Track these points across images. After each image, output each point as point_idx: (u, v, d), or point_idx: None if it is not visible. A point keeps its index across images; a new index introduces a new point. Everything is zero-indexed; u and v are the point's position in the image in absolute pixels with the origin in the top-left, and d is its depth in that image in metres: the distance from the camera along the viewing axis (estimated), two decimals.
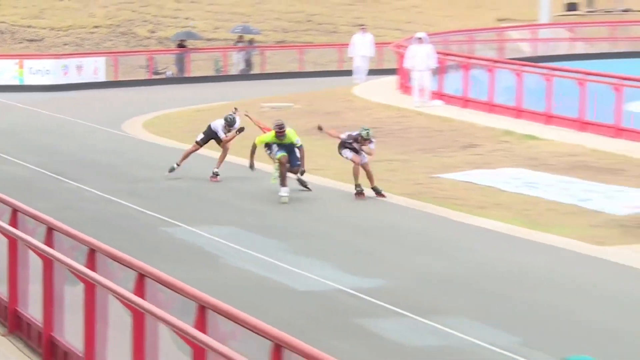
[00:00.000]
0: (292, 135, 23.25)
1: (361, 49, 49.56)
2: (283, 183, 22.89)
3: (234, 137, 26.08)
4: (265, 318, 9.84)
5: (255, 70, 57.18)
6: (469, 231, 21.82)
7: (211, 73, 56.50)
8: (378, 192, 23.80)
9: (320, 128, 25.24)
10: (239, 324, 9.58)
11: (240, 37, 58.68)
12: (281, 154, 22.70)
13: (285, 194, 22.98)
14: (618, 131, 32.59)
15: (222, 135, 26.30)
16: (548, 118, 34.81)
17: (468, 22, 59.79)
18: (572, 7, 67.19)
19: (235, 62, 58.04)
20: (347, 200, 24.78)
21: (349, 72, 49.34)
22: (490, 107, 37.98)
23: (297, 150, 23.38)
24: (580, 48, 58.75)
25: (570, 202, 23.54)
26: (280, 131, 22.99)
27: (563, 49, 57.74)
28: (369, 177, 23.83)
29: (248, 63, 57.77)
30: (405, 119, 36.69)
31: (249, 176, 25.70)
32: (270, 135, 23.29)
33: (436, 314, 15.40)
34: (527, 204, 20.76)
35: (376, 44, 50.16)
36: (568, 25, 64.00)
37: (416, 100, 39.06)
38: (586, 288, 17.80)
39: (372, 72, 49.23)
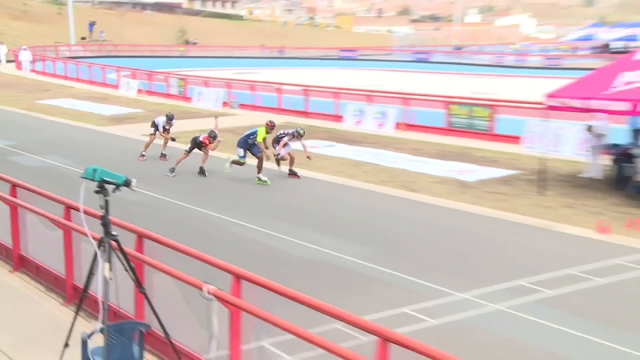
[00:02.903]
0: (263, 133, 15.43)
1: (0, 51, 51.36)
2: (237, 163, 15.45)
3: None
4: None
5: None
6: (44, 121, 22.76)
7: None
8: (293, 173, 16.00)
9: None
10: None
11: None
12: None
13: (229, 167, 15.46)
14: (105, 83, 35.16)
15: (160, 129, 17.64)
16: (76, 79, 38.87)
17: (46, 40, 57.84)
18: (84, 38, 63.21)
19: None
20: None
21: None
22: (52, 75, 40.28)
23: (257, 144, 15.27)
24: (96, 53, 58.24)
25: (88, 110, 24.74)
26: (272, 125, 15.33)
27: (90, 53, 57.58)
28: (291, 161, 15.91)
29: None
30: (21, 80, 38.83)
31: None
32: (263, 132, 15.09)
33: None
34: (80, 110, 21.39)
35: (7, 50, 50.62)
36: (84, 45, 62.73)
37: (25, 72, 42.68)
38: (99, 141, 19.14)
39: (7, 62, 49.78)
